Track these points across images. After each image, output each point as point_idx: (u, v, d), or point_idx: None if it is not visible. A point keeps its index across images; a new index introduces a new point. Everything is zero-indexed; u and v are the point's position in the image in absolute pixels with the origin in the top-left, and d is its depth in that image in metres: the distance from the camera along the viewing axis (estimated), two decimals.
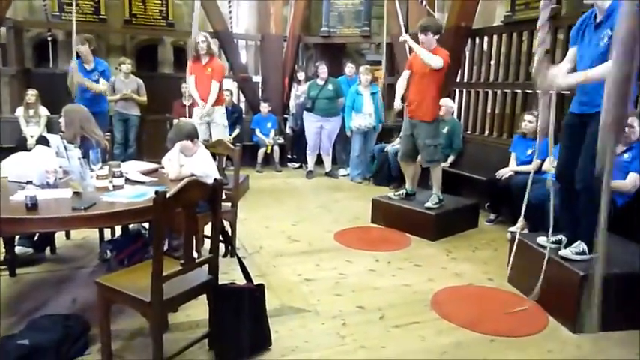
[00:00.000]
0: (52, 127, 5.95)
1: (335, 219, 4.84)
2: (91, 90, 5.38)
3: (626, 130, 3.50)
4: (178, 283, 2.15)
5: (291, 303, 2.97)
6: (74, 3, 5.30)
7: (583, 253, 2.84)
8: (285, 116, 7.87)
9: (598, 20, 2.75)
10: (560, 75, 2.75)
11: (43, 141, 4.26)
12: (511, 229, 4.23)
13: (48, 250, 3.57)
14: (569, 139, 2.99)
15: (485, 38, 5.91)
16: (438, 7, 6.92)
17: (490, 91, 5.77)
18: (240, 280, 2.51)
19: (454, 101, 6.13)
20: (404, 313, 2.88)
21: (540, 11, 2.75)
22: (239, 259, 2.56)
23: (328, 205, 5.40)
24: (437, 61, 4.13)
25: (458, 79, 6.33)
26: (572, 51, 2.97)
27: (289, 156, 7.83)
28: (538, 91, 2.83)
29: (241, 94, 7.93)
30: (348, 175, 6.83)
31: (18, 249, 3.30)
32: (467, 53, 6.19)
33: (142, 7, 7.69)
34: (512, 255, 3.35)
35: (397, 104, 4.54)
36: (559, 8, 4.86)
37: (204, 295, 2.33)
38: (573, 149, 2.91)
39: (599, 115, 2.71)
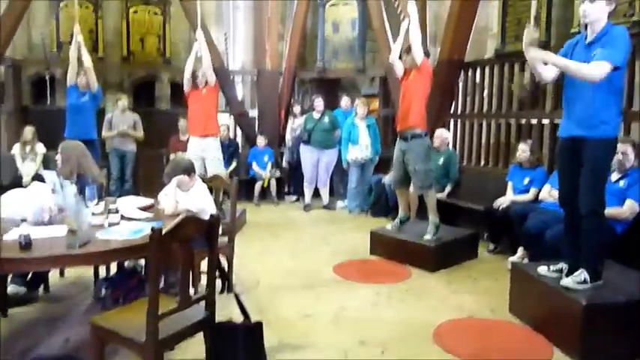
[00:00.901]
0: (48, 163, 5.96)
1: (333, 252, 4.79)
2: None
3: (621, 157, 3.53)
4: (174, 321, 2.10)
5: (290, 340, 2.90)
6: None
7: (585, 282, 2.80)
8: (281, 149, 7.91)
9: (589, 40, 2.81)
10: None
11: (39, 178, 4.25)
12: (511, 258, 4.20)
13: (41, 288, 3.50)
14: (566, 166, 2.99)
15: (478, 70, 6.01)
16: (431, 41, 7.07)
17: (484, 122, 5.83)
18: (238, 317, 2.46)
19: (449, 132, 6.18)
20: (406, 348, 2.81)
21: None
22: (236, 295, 2.52)
23: (326, 238, 5.36)
24: (421, 53, 4.22)
25: (452, 111, 6.40)
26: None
27: (286, 189, 7.82)
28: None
29: (238, 129, 7.99)
30: (346, 207, 6.81)
31: (10, 288, 3.24)
32: (460, 85, 6.28)
33: (140, 44, 7.83)
34: (513, 285, 3.33)
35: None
36: (547, 42, 4.96)
37: (201, 333, 2.28)
38: (572, 175, 2.91)
39: (591, 141, 2.75)
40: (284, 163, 7.76)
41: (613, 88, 2.74)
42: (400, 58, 4.45)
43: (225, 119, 7.60)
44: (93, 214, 2.70)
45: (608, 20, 2.77)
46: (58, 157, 3.49)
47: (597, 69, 2.63)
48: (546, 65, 2.87)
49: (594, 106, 2.73)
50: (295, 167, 7.39)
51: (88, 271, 3.69)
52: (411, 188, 4.58)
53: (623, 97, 2.93)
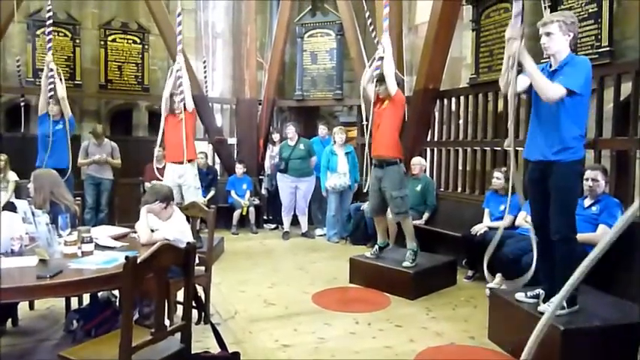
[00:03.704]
0: (20, 192, 5.81)
1: (312, 280, 4.75)
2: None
3: (592, 183, 3.63)
4: (149, 353, 2.04)
5: None
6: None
7: (562, 307, 2.83)
8: (260, 177, 7.90)
9: (553, 68, 2.93)
10: (525, 53, 2.84)
11: (10, 207, 4.13)
12: (489, 285, 4.22)
13: (9, 322, 3.36)
14: (536, 193, 3.07)
15: (453, 99, 6.14)
16: (407, 71, 7.23)
17: (460, 149, 5.94)
18: (215, 349, 2.40)
19: (426, 160, 6.27)
20: None
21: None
22: (213, 325, 2.47)
23: (305, 266, 5.32)
24: (394, 85, 4.28)
25: (428, 139, 6.50)
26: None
27: (265, 217, 7.78)
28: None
29: (216, 156, 7.96)
30: (325, 234, 6.79)
31: None
32: (436, 113, 6.40)
33: (118, 72, 7.82)
34: (492, 312, 3.34)
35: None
36: (519, 71, 5.10)
37: None
38: (542, 202, 2.98)
39: (558, 165, 2.83)
40: (263, 191, 7.75)
41: (576, 114, 2.84)
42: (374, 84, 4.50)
43: (204, 147, 7.58)
44: (66, 243, 2.64)
45: (571, 50, 2.90)
46: (31, 186, 3.41)
47: (553, 90, 2.76)
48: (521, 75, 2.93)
49: (558, 133, 2.84)
50: (274, 195, 7.37)
51: (59, 303, 3.58)
52: (389, 214, 4.60)
53: (587, 122, 3.05)
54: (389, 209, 4.50)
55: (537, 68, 2.84)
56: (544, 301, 2.93)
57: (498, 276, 4.25)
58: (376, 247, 4.66)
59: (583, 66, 2.83)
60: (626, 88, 4.04)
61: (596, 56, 4.26)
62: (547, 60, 3.05)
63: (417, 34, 8.14)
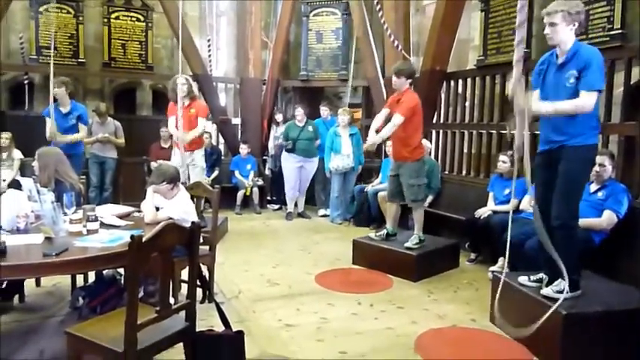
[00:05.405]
0: (25, 170, 5.83)
1: (315, 261, 4.77)
2: (72, 142, 5.27)
3: (599, 169, 3.60)
4: (153, 331, 2.06)
5: (271, 350, 2.87)
6: (52, 46, 5.25)
7: (564, 291, 2.83)
8: (264, 158, 7.88)
9: (561, 61, 2.87)
10: (535, 100, 2.86)
11: (15, 184, 4.15)
12: (492, 268, 4.24)
13: (16, 298, 3.41)
14: (542, 177, 3.04)
15: (460, 81, 6.08)
16: (414, 51, 7.14)
17: (466, 132, 5.90)
18: (219, 327, 2.42)
19: (431, 142, 6.24)
20: (388, 358, 2.80)
21: (517, 13, 2.60)
22: (217, 304, 2.48)
23: (308, 247, 5.34)
24: (395, 122, 4.26)
25: (434, 121, 6.45)
26: (536, 93, 3.07)
27: (269, 197, 7.79)
28: (515, 111, 2.82)
29: (220, 136, 7.94)
30: (328, 215, 6.81)
31: None
32: (442, 95, 6.35)
33: (122, 50, 7.74)
34: (494, 295, 3.35)
35: (369, 140, 4.46)
36: (529, 53, 5.04)
37: (182, 343, 2.23)
38: (547, 187, 2.96)
39: (568, 149, 2.80)
40: (266, 172, 7.74)
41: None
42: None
43: (208, 126, 7.55)
44: (71, 221, 2.65)
45: (576, 35, 2.84)
46: (35, 164, 3.42)
47: (588, 101, 2.71)
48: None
49: (574, 118, 2.79)
50: (278, 176, 7.37)
51: (65, 280, 3.61)
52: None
53: (600, 108, 3.00)
54: (404, 195, 4.45)
55: (553, 104, 2.80)
56: (547, 286, 2.93)
57: (501, 259, 4.26)
58: (385, 232, 4.65)
59: (596, 60, 2.75)
60: (637, 72, 3.98)
61: (607, 39, 4.18)
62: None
63: (424, 14, 8.01)
